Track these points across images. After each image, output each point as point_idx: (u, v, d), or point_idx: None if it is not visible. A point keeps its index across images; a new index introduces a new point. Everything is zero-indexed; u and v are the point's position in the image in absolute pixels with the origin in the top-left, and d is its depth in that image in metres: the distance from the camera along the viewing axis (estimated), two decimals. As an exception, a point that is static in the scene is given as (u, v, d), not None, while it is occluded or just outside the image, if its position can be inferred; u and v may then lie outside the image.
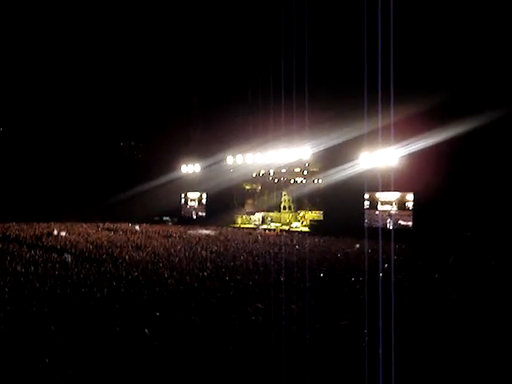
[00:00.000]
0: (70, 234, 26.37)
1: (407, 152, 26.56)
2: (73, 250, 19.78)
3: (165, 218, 41.74)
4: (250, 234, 29.31)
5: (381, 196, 29.65)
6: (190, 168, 41.12)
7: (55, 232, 26.42)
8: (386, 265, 14.30)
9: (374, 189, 29.17)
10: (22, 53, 41.10)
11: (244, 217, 39.71)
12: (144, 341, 7.54)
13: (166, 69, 41.85)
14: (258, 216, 38.85)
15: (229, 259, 17.35)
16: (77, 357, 6.97)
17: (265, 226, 36.23)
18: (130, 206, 38.84)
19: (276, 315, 8.45)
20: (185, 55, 40.52)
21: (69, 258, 17.55)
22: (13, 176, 41.93)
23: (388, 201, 29.43)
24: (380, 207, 29.75)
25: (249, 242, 24.01)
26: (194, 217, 42.60)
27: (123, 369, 6.62)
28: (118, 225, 32.29)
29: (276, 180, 40.89)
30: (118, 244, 22.02)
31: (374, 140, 25.82)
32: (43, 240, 23.42)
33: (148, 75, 42.63)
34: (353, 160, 29.15)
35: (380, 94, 14.52)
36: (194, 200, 43.26)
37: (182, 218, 42.67)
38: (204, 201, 42.09)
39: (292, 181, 40.99)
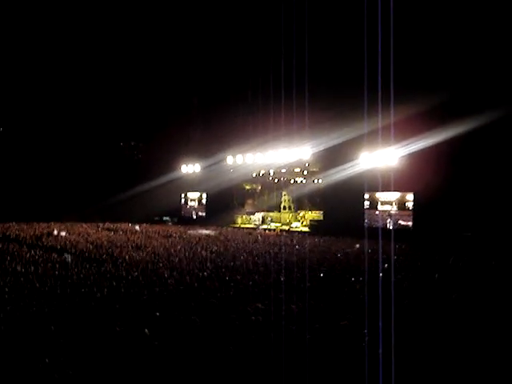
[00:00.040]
0: (69, 233, 26.36)
1: (407, 152, 26.57)
2: (73, 250, 19.78)
3: (165, 218, 41.74)
4: (250, 234, 29.31)
5: (381, 196, 29.66)
6: (190, 168, 41.14)
7: (55, 232, 26.42)
8: (386, 265, 14.30)
9: (374, 189, 29.17)
10: (22, 53, 41.12)
11: (244, 217, 39.72)
12: (144, 341, 7.54)
13: (166, 69, 41.87)
14: (258, 216, 38.85)
15: (229, 259, 17.35)
16: (77, 357, 6.98)
17: (265, 226, 36.23)
18: (130, 206, 38.85)
19: (276, 315, 8.46)
20: (185, 55, 40.54)
21: (69, 258, 17.56)
22: (13, 176, 41.95)
23: (388, 201, 29.43)
24: (380, 207, 29.75)
25: (249, 242, 24.01)
26: (194, 217, 42.60)
27: (123, 369, 6.62)
28: (118, 225, 32.29)
29: (276, 180, 40.90)
30: (118, 244, 22.02)
31: (374, 140, 25.82)
32: (43, 240, 23.41)
33: (148, 75, 42.65)
34: (353, 160, 29.16)
35: (380, 93, 14.53)
36: (194, 200, 43.27)
37: (182, 218, 42.68)
38: (204, 201, 42.10)
39: (292, 181, 40.99)
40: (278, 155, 33.51)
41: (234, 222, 38.73)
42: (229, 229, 33.44)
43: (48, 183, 41.95)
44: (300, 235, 27.99)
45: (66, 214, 36.36)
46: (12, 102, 43.48)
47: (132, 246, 21.39)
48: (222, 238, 25.89)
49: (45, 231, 26.71)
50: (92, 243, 22.20)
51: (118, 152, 48.56)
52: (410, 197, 28.57)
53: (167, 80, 42.42)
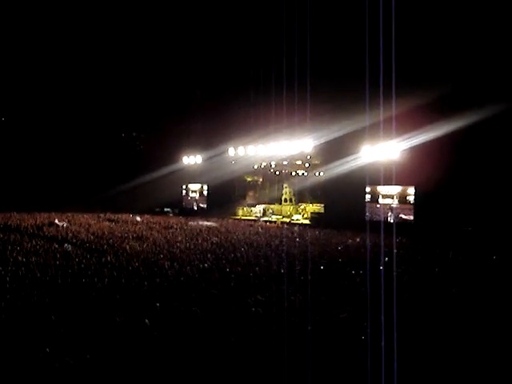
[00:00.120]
0: (71, 224, 26.40)
1: (409, 145, 26.51)
2: (74, 241, 19.81)
3: (166, 209, 41.77)
4: (251, 226, 29.32)
5: (382, 189, 29.64)
6: (191, 159, 41.16)
7: (56, 222, 26.46)
8: (387, 258, 14.32)
9: (375, 182, 29.13)
10: (24, 45, 40.99)
11: (245, 209, 39.74)
12: (144, 331, 7.57)
13: (168, 60, 41.74)
14: (259, 208, 38.87)
15: (229, 251, 17.38)
16: (77, 346, 7.01)
17: (266, 218, 36.25)
18: (131, 197, 38.87)
19: (276, 307, 8.48)
20: (187, 47, 40.38)
21: (70, 248, 17.61)
22: (14, 166, 41.98)
23: (389, 194, 29.41)
24: (381, 201, 29.74)
25: (250, 233, 24.04)
26: (195, 208, 42.64)
27: (123, 358, 6.65)
28: (119, 215, 32.30)
29: (277, 172, 40.87)
30: (119, 235, 22.06)
31: (376, 133, 25.76)
32: (44, 230, 23.43)
33: (150, 66, 42.54)
34: (354, 153, 29.11)
35: (382, 86, 14.46)
36: (196, 191, 43.30)
37: (183, 209, 42.71)
38: (205, 192, 42.12)
39: (293, 173, 40.93)
40: (280, 147, 33.46)
41: (235, 214, 38.73)
42: (230, 221, 33.44)
43: (49, 173, 41.99)
44: (301, 228, 27.98)
45: (68, 204, 36.42)
46: (14, 92, 43.44)
47: (133, 237, 21.43)
48: (222, 229, 25.90)
49: (46, 221, 26.74)
50: (93, 234, 22.24)
51: (120, 143, 48.53)
52: (411, 190, 28.55)
53: (170, 71, 42.32)
